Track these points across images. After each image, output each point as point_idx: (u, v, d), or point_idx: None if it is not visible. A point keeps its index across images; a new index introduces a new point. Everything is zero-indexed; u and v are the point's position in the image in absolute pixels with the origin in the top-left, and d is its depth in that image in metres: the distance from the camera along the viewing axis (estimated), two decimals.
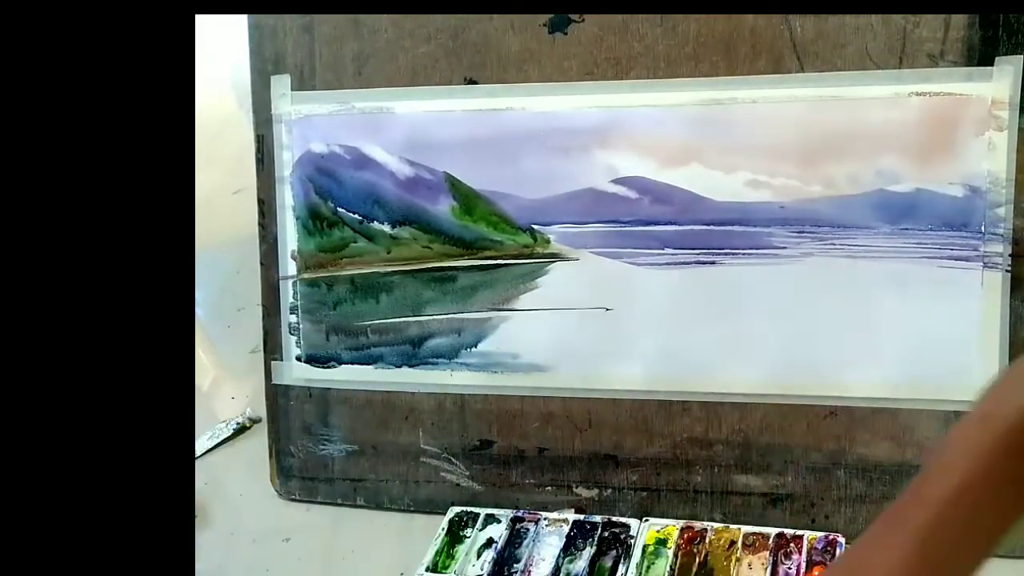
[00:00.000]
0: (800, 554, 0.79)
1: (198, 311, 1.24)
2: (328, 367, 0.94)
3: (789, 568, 0.79)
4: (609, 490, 0.88)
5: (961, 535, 0.36)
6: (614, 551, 0.83)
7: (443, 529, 0.88)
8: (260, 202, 0.95)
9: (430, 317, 0.91)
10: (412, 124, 0.89)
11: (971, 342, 0.78)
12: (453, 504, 0.91)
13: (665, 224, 0.84)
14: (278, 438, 0.97)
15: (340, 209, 0.92)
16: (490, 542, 0.86)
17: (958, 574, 0.36)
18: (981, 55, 0.75)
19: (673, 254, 0.84)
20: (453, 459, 0.92)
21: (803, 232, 0.81)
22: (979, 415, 0.38)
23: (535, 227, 0.87)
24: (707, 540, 0.82)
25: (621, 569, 0.81)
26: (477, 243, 0.89)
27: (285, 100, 0.93)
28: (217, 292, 1.25)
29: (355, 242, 0.92)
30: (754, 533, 0.82)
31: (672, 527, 0.84)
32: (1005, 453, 0.36)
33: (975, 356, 0.78)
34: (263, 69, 0.94)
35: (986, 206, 0.76)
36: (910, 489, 0.38)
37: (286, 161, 0.93)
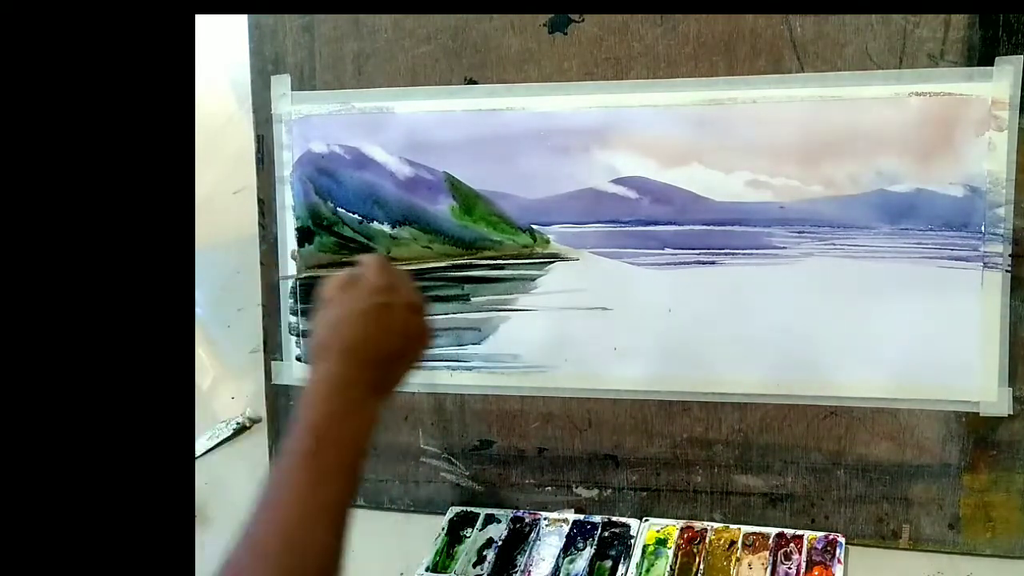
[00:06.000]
0: (800, 554, 0.79)
1: (198, 311, 1.24)
2: None
3: (789, 568, 0.79)
4: (609, 490, 0.88)
5: (339, 424, 0.60)
6: (614, 551, 0.83)
7: (443, 529, 0.88)
8: (260, 202, 0.95)
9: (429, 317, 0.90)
10: (412, 124, 0.89)
11: (971, 342, 0.78)
12: (453, 504, 0.91)
13: (665, 224, 0.84)
14: (278, 438, 0.97)
15: (340, 209, 0.92)
16: (490, 542, 0.86)
17: (349, 438, 0.59)
18: (981, 55, 0.75)
19: (673, 254, 0.84)
20: (453, 459, 0.92)
21: (803, 232, 0.81)
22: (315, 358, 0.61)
23: (535, 227, 0.87)
24: (707, 540, 0.82)
25: (621, 569, 0.81)
26: (477, 243, 0.88)
27: (285, 100, 0.93)
28: (217, 292, 1.24)
29: (355, 242, 0.92)
30: (754, 533, 0.82)
31: (672, 527, 0.84)
32: (339, 375, 0.59)
33: (975, 356, 0.78)
34: (263, 69, 0.94)
35: (986, 206, 0.76)
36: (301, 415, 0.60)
37: (286, 161, 0.93)
